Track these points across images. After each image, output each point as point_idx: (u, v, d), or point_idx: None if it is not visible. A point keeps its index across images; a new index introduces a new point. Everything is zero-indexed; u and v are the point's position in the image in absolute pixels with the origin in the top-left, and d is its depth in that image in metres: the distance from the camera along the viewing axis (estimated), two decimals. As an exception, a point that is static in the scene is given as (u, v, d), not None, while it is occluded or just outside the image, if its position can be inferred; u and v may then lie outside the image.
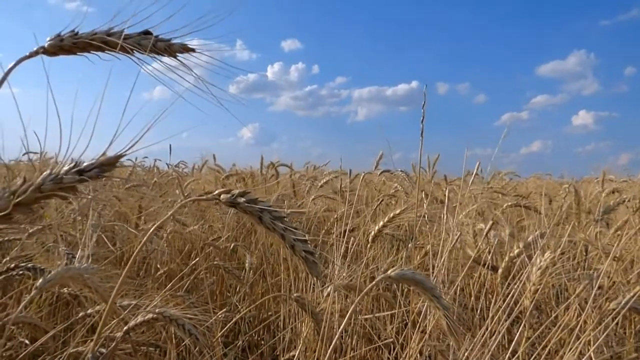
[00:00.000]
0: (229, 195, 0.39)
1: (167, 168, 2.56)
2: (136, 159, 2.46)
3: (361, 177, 1.54)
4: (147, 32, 0.33)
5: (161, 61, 0.35)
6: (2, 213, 0.26)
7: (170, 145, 2.05)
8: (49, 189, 0.28)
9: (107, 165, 0.30)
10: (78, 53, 0.33)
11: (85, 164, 0.30)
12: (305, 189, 1.74)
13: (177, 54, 0.34)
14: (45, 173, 0.29)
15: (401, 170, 1.97)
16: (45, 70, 0.31)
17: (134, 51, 0.32)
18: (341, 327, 0.59)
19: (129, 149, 0.30)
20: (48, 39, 0.32)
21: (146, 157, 2.69)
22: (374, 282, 0.51)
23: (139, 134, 0.31)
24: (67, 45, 0.32)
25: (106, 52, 0.33)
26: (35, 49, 0.32)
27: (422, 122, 0.78)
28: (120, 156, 0.30)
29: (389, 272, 0.52)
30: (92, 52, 0.33)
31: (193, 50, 0.34)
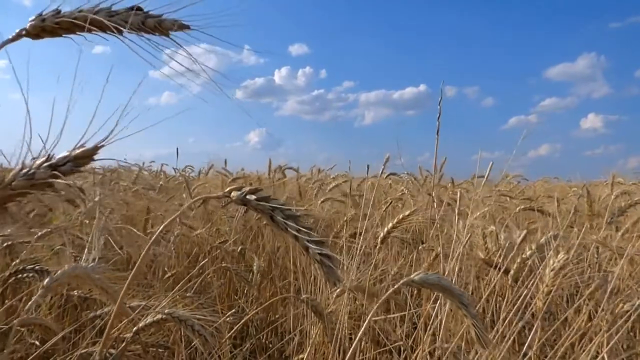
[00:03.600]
0: (239, 193, 0.38)
1: (174, 172, 2.56)
2: (143, 163, 2.47)
3: (375, 181, 1.54)
4: (138, 8, 0.29)
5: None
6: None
7: (177, 149, 2.06)
8: (20, 186, 0.26)
9: (82, 159, 0.27)
10: (63, 35, 0.29)
11: (57, 157, 0.27)
12: (313, 192, 1.74)
13: (170, 32, 0.30)
14: (16, 169, 0.27)
15: (407, 173, 1.96)
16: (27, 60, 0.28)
17: (123, 31, 0.29)
18: (359, 332, 0.59)
19: (105, 139, 0.27)
20: (30, 19, 0.29)
21: (153, 162, 2.69)
22: (395, 287, 0.47)
23: (119, 122, 0.28)
24: (49, 26, 0.29)
25: (93, 32, 0.29)
26: (17, 31, 0.29)
27: (438, 119, 0.77)
28: (97, 148, 0.27)
29: (412, 276, 0.47)
30: (78, 33, 0.29)
31: (188, 27, 0.30)
